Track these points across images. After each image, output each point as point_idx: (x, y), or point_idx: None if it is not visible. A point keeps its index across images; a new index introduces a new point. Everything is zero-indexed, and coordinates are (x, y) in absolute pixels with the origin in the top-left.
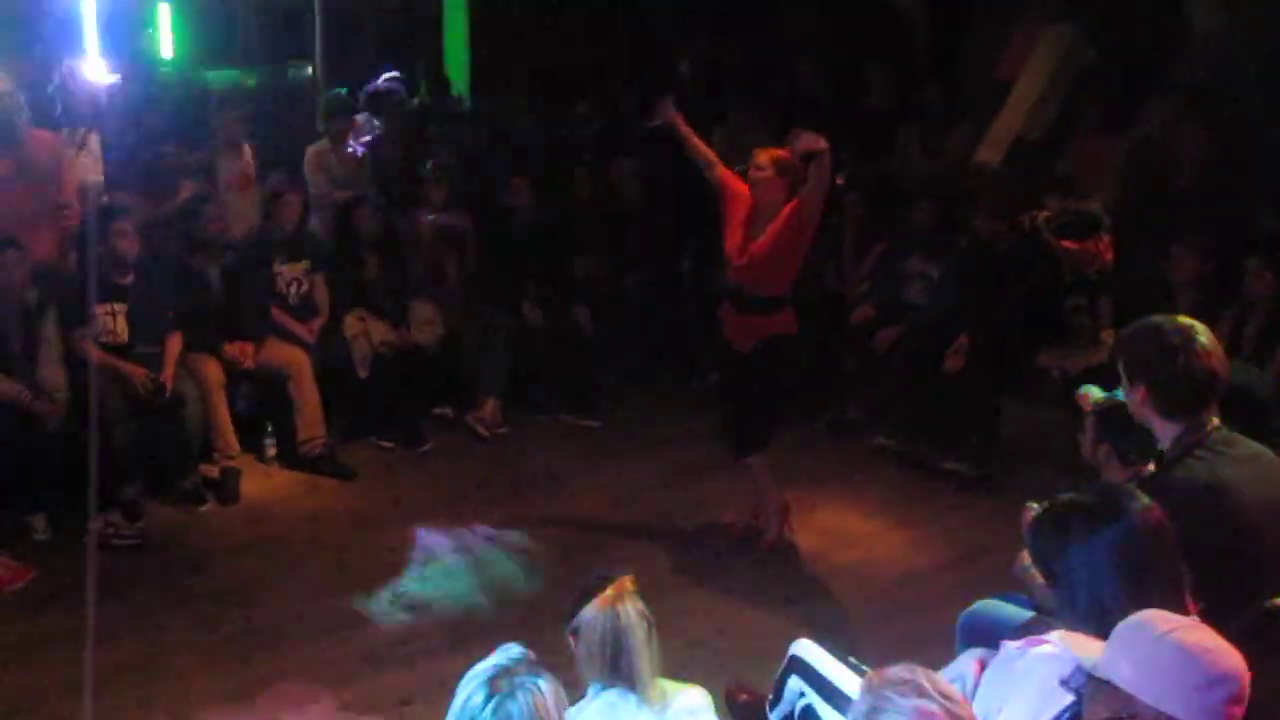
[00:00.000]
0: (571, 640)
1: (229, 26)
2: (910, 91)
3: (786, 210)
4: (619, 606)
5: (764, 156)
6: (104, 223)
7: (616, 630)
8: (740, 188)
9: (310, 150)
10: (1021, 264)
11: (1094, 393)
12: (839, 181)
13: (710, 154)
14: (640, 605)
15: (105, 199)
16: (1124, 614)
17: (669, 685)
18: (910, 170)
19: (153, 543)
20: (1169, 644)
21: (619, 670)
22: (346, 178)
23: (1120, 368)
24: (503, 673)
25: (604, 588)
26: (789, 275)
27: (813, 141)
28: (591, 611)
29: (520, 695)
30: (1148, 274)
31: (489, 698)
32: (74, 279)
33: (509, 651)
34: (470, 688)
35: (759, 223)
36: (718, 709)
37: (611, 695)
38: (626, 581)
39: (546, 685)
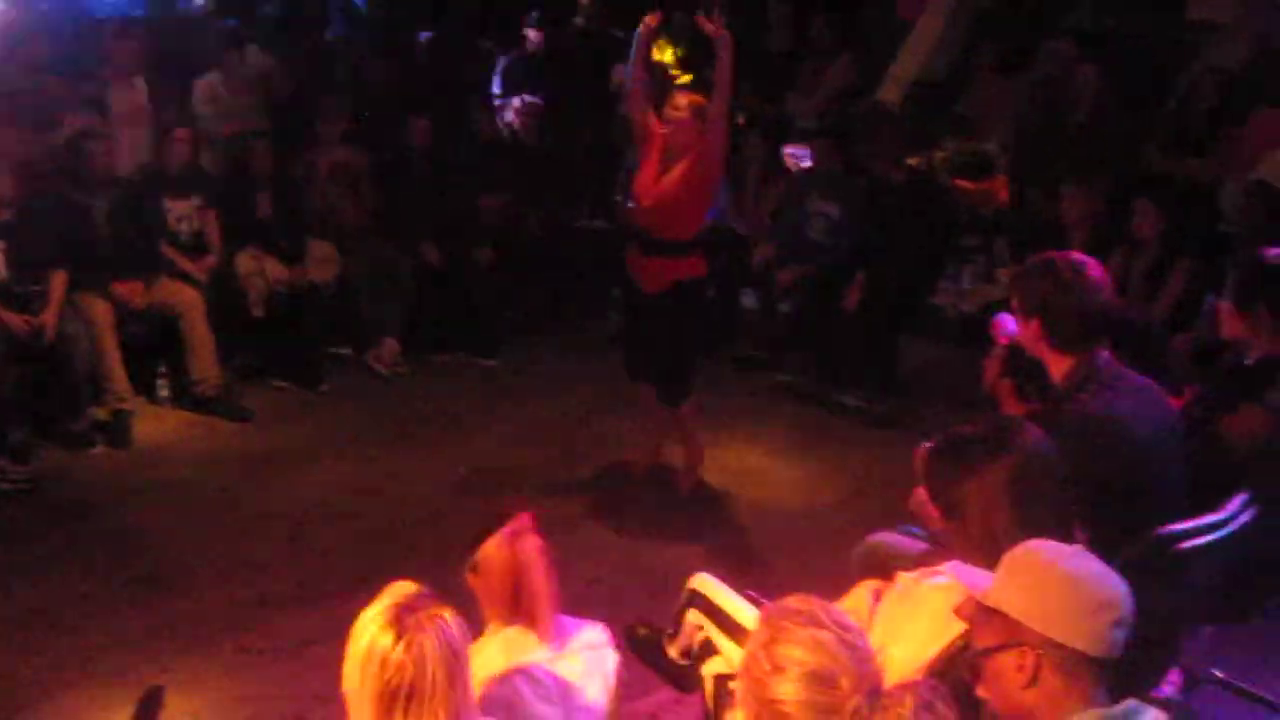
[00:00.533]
0: (470, 578)
1: None
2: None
3: (694, 151)
4: (518, 544)
5: (682, 98)
6: None
7: (516, 567)
8: (655, 127)
9: (199, 83)
10: (917, 203)
11: (1010, 324)
12: (740, 122)
13: (647, 80)
14: (539, 541)
15: None
16: (1014, 543)
17: (568, 622)
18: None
19: (43, 487)
20: (1056, 571)
21: (519, 607)
22: (239, 112)
23: (1014, 303)
24: (405, 610)
25: (503, 525)
26: (698, 218)
27: (715, 29)
28: (490, 549)
29: (429, 629)
30: (1042, 213)
31: (398, 636)
32: None
33: (404, 589)
34: (373, 629)
35: (669, 164)
36: (617, 645)
37: (511, 632)
38: (525, 518)
39: (452, 617)
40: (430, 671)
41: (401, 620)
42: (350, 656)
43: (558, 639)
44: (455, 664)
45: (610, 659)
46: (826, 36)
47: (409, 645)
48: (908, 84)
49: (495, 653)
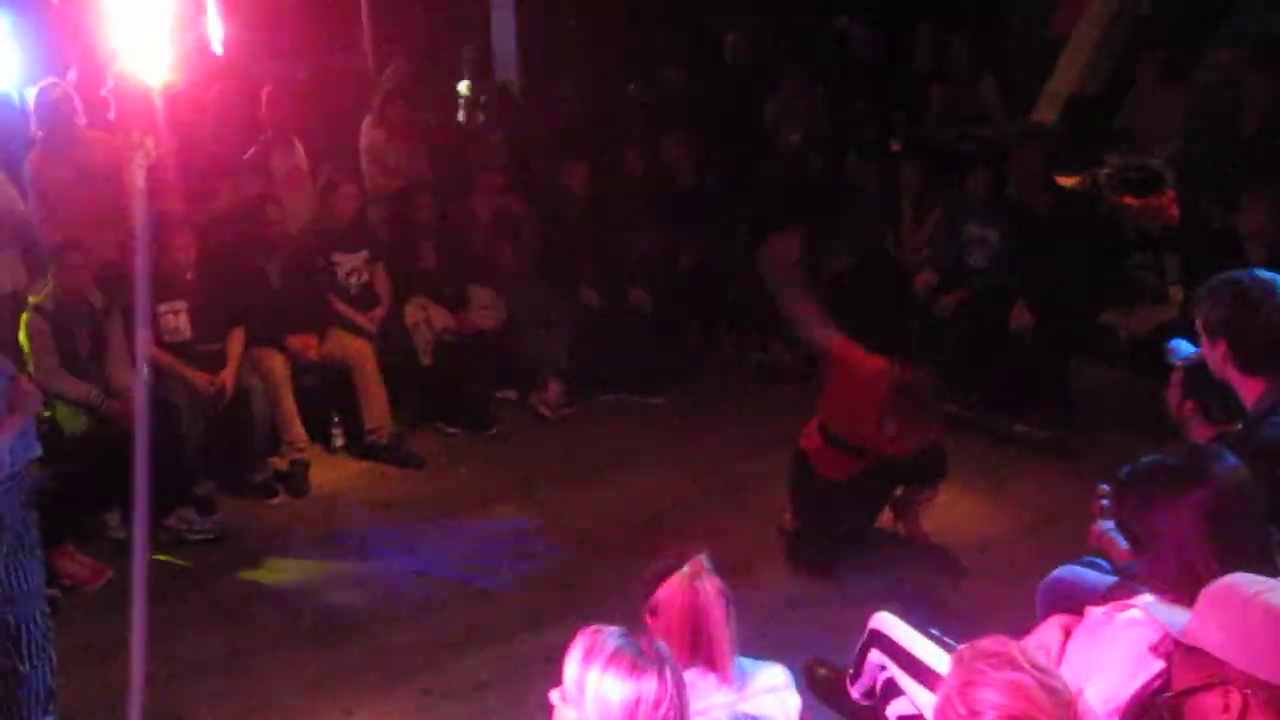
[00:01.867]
0: (649, 620)
1: (276, 17)
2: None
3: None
4: (696, 584)
5: None
6: (162, 226)
7: (695, 609)
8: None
9: (365, 140)
10: (1069, 226)
11: (1181, 347)
12: (895, 149)
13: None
14: (718, 582)
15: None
16: (1212, 577)
17: (748, 663)
18: (945, 133)
19: (228, 536)
20: (1258, 606)
21: (698, 649)
22: (401, 164)
23: (1199, 325)
24: (640, 651)
25: (680, 566)
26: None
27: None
28: (669, 591)
29: (667, 664)
30: (1216, 227)
31: (659, 674)
32: (136, 279)
33: (612, 633)
34: (620, 678)
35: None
36: (798, 686)
37: (691, 675)
38: (702, 559)
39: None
40: (688, 701)
41: (644, 660)
42: (604, 706)
43: (738, 681)
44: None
45: (793, 701)
46: (964, 58)
47: (671, 682)
48: (1065, 100)
49: None
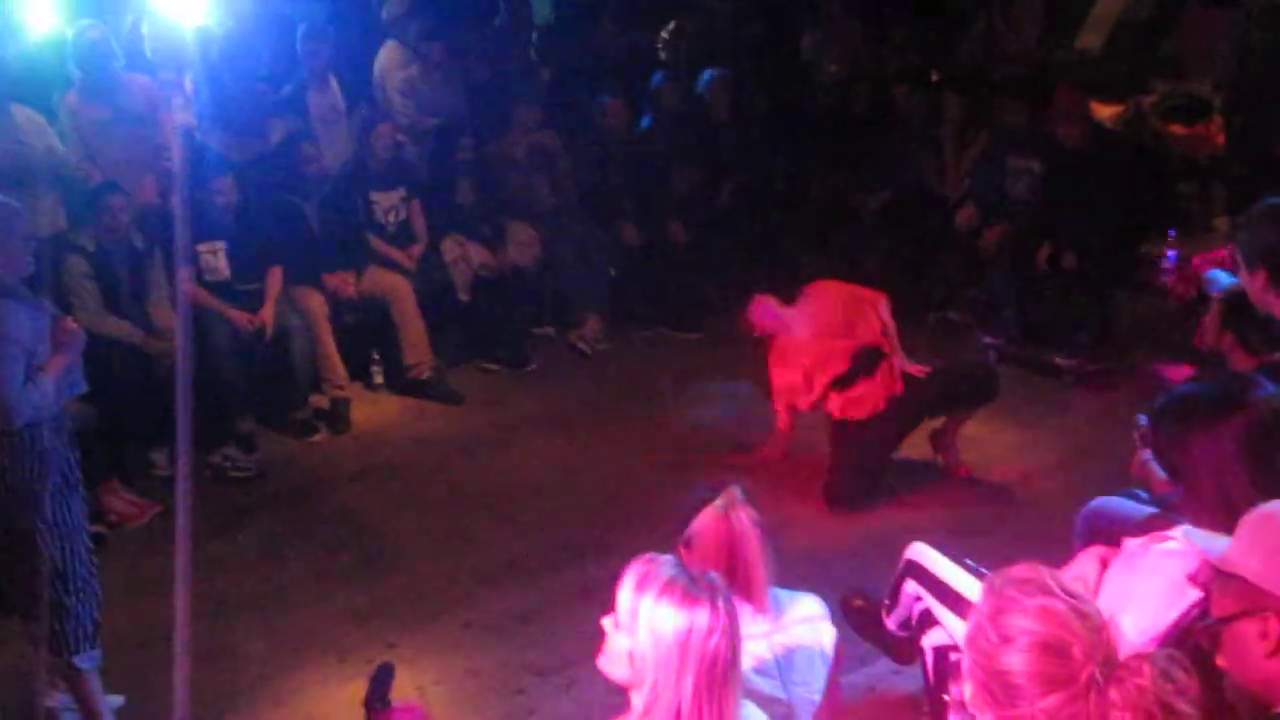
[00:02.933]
0: (684, 553)
1: None
2: None
3: None
4: (732, 515)
5: None
6: (200, 166)
7: (731, 539)
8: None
9: (396, 77)
10: (1107, 161)
11: (1220, 278)
12: (934, 79)
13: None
14: (753, 513)
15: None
16: (1251, 505)
17: (784, 594)
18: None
19: (269, 474)
20: None
21: (735, 579)
22: (436, 103)
23: (1238, 253)
24: (693, 583)
25: (714, 498)
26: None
27: None
28: (704, 521)
29: (721, 598)
30: (1264, 156)
31: (713, 608)
32: (175, 219)
33: (666, 563)
34: (674, 608)
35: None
36: (833, 616)
37: None
38: (736, 490)
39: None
40: (739, 634)
41: (698, 590)
42: (656, 635)
43: (774, 611)
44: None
45: (828, 632)
46: None
47: (724, 613)
48: (1110, 26)
49: None
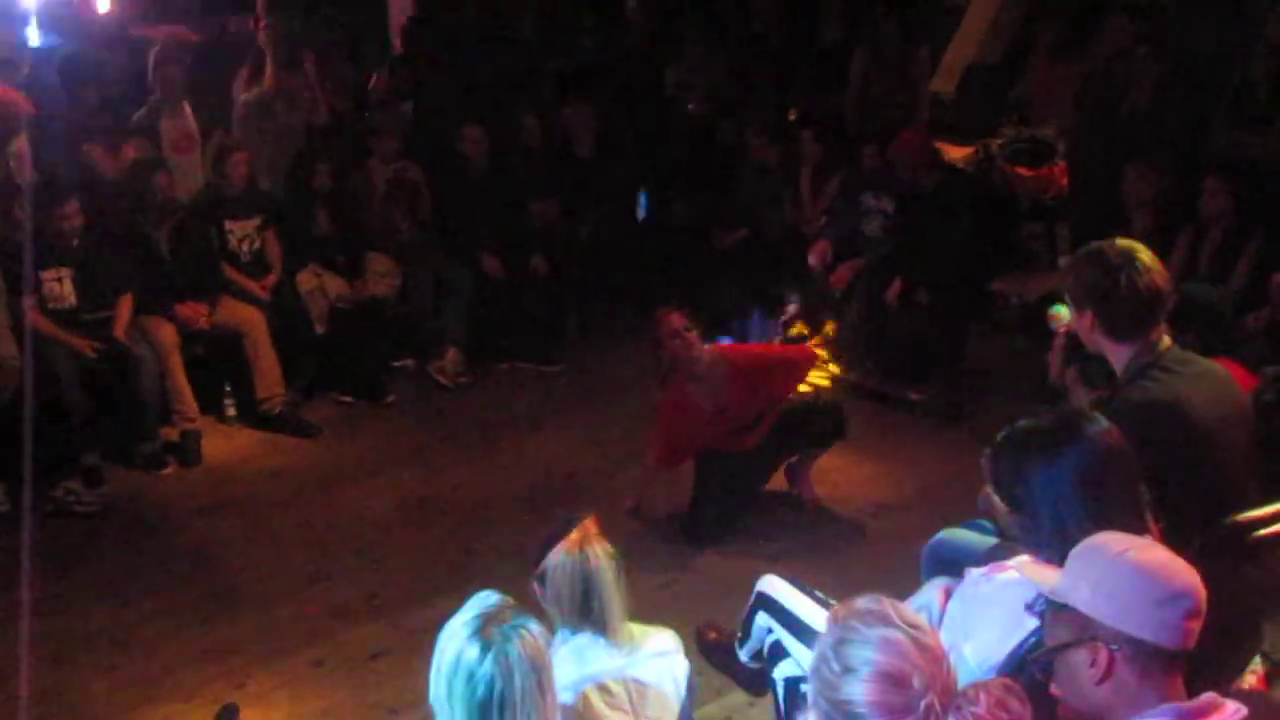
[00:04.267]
0: (537, 587)
1: None
2: (861, 22)
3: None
4: (586, 549)
5: None
6: (44, 192)
7: (585, 572)
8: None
9: (243, 102)
10: (953, 204)
11: (1064, 314)
12: (791, 117)
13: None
14: (607, 546)
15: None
16: (1085, 536)
17: (637, 628)
18: (862, 103)
19: (116, 508)
20: (1124, 563)
21: (589, 613)
22: (290, 131)
23: (1067, 296)
24: (489, 620)
25: (569, 531)
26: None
27: None
28: (558, 555)
29: (515, 640)
30: (1104, 198)
31: (485, 648)
32: (19, 245)
33: (486, 600)
34: (458, 642)
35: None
36: (688, 649)
37: (581, 639)
38: (590, 523)
39: (536, 627)
40: (519, 682)
41: (487, 631)
42: (436, 669)
43: (628, 645)
44: (543, 673)
45: (682, 665)
46: (894, 29)
47: (497, 656)
48: (961, 71)
49: (566, 660)
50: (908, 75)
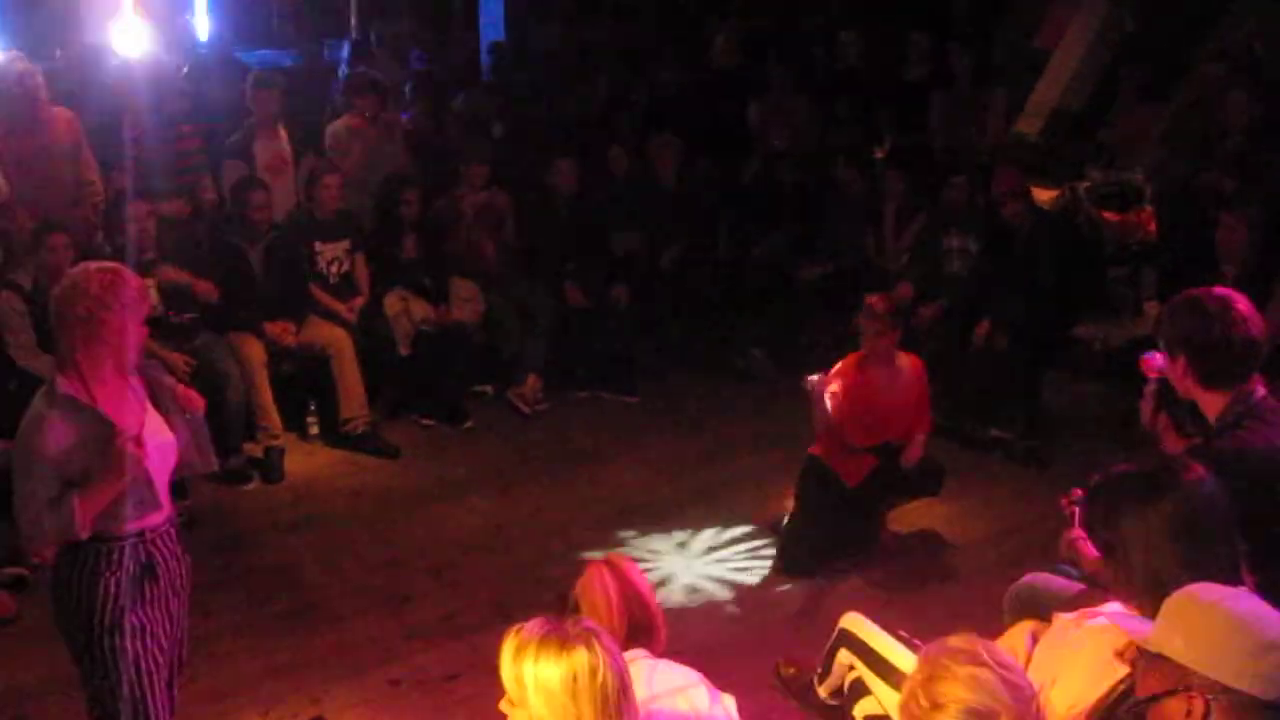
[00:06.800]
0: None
1: (265, 7)
2: (943, 60)
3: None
4: (615, 571)
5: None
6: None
7: (623, 594)
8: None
9: (333, 128)
10: (1047, 241)
11: (1157, 359)
12: (879, 154)
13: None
14: (635, 564)
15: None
16: (1179, 585)
17: (662, 665)
18: (946, 141)
19: (199, 521)
20: (1220, 613)
21: (636, 629)
22: (383, 158)
23: (1161, 341)
24: (562, 630)
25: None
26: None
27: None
28: (588, 584)
29: (592, 634)
30: (1194, 243)
31: (589, 646)
32: (109, 257)
33: (533, 624)
34: (554, 658)
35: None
36: (766, 682)
37: (635, 653)
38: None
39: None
40: (624, 664)
41: (570, 637)
42: (546, 693)
43: (647, 685)
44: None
45: (702, 696)
46: (968, 69)
47: (601, 649)
48: (1048, 114)
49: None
50: (983, 117)
